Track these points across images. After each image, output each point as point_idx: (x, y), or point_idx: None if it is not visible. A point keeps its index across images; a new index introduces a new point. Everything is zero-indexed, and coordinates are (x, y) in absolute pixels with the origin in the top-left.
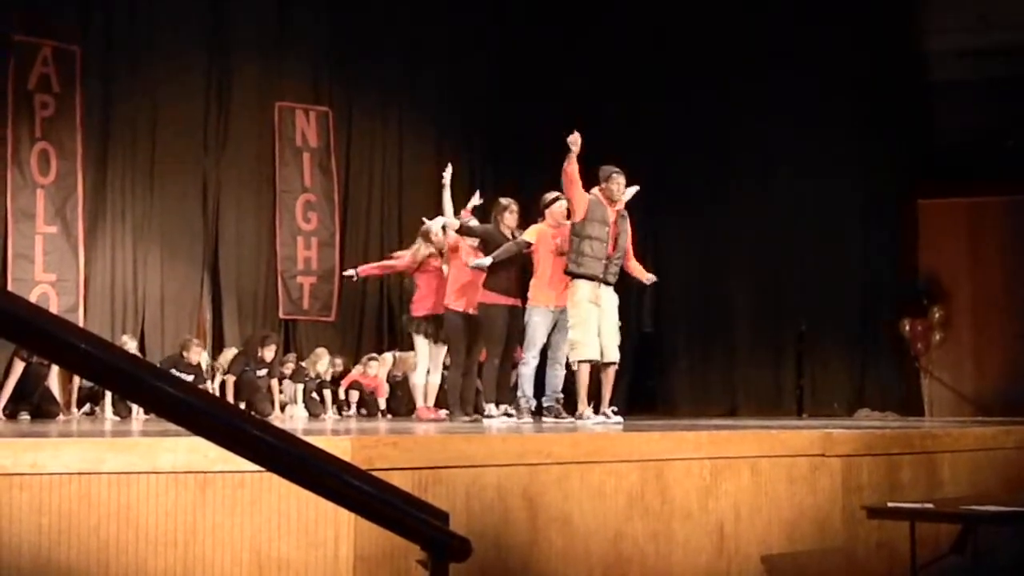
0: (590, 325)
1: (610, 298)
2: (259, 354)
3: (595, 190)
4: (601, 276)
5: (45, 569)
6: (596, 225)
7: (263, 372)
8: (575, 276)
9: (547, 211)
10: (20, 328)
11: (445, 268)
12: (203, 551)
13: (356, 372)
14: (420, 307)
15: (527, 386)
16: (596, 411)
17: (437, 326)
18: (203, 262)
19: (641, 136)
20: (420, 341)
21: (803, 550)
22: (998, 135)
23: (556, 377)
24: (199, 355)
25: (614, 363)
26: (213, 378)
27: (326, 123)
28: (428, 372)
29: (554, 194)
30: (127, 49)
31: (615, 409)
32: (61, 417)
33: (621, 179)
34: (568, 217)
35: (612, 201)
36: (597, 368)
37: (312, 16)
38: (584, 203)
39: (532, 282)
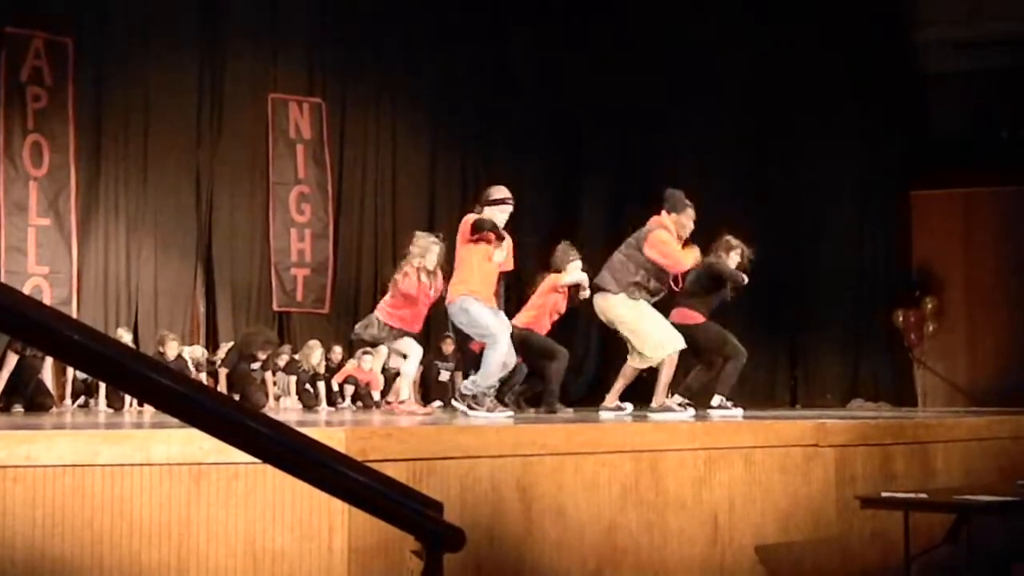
0: (657, 316)
1: None
2: (254, 352)
3: (667, 219)
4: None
5: (39, 562)
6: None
7: (257, 365)
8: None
9: (487, 208)
10: (14, 320)
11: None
12: (197, 543)
13: (350, 366)
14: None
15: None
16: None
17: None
18: (196, 254)
19: (636, 130)
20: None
21: (797, 540)
22: (992, 126)
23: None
24: (176, 348)
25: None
26: (213, 373)
27: (319, 115)
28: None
29: (501, 193)
30: (120, 41)
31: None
32: (55, 409)
33: (692, 212)
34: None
35: (679, 237)
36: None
37: (305, 7)
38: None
39: (464, 276)
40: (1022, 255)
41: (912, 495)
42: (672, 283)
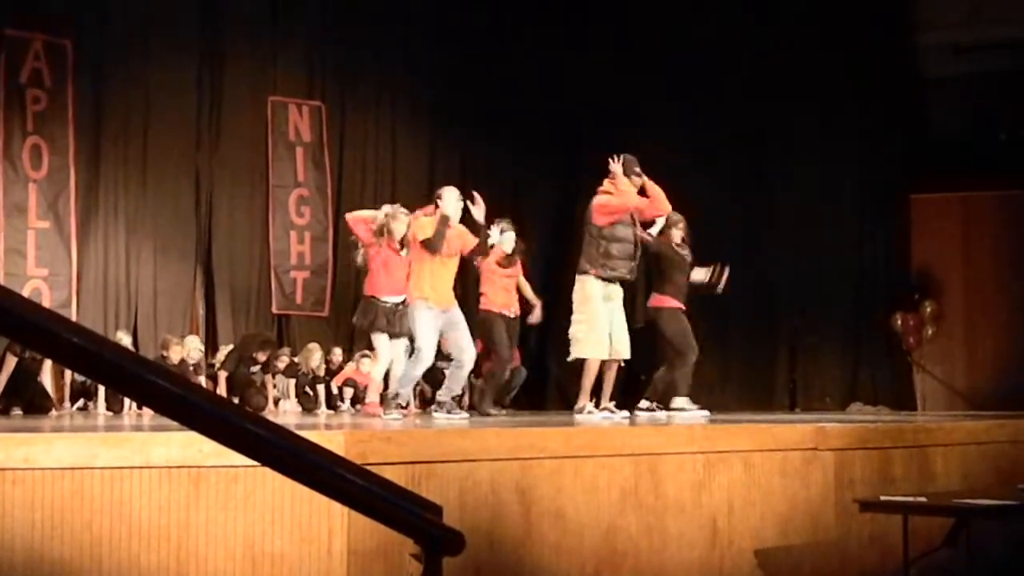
0: (601, 322)
1: (619, 293)
2: (253, 354)
3: (607, 185)
4: (629, 277)
5: (38, 564)
6: (622, 226)
7: (256, 367)
8: (602, 279)
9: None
10: (13, 323)
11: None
12: (196, 546)
13: (349, 369)
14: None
15: (408, 386)
16: (596, 406)
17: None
18: (196, 257)
19: (636, 130)
20: (381, 338)
21: (796, 544)
22: (991, 130)
23: (456, 378)
24: (179, 352)
25: (622, 360)
26: (213, 377)
27: (319, 117)
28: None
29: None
30: (119, 43)
31: (616, 404)
32: (54, 412)
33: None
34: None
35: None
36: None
37: (305, 10)
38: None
39: (417, 280)
40: (1021, 258)
41: (911, 499)
42: (642, 228)
